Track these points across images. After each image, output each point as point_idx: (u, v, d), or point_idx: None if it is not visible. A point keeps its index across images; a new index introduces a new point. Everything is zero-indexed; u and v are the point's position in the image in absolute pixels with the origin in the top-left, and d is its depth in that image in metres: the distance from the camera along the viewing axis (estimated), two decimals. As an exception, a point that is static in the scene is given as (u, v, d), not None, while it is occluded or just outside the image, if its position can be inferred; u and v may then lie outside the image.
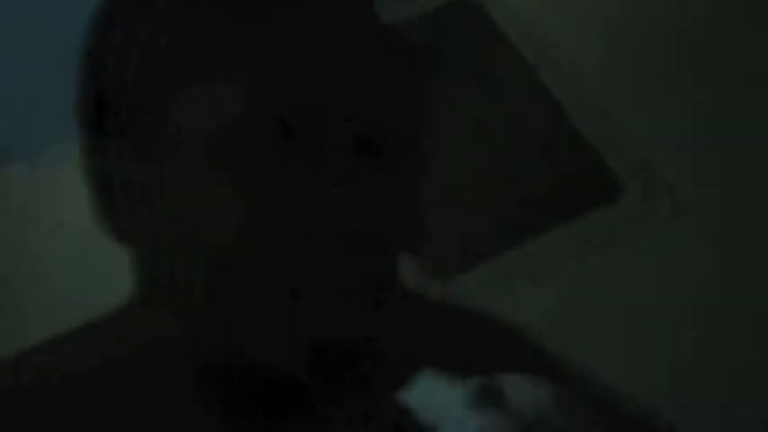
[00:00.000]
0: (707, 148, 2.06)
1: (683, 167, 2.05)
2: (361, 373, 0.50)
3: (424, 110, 0.53)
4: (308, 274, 0.46)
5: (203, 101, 0.48)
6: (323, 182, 0.47)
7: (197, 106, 0.48)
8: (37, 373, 0.52)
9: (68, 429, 0.49)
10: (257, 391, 0.50)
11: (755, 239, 1.98)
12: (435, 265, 1.91)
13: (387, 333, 0.53)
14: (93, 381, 0.50)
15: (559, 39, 2.04)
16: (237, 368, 0.49)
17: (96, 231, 0.55)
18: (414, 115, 0.52)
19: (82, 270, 2.13)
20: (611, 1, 2.11)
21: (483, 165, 2.05)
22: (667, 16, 2.11)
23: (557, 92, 2.11)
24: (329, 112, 0.48)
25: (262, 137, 0.46)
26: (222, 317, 0.47)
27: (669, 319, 1.96)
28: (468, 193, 2.06)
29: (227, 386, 0.50)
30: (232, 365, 0.49)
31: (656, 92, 2.09)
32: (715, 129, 2.06)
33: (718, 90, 2.03)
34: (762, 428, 1.84)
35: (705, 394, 1.89)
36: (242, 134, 0.47)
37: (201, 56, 0.49)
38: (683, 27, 2.08)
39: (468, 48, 2.09)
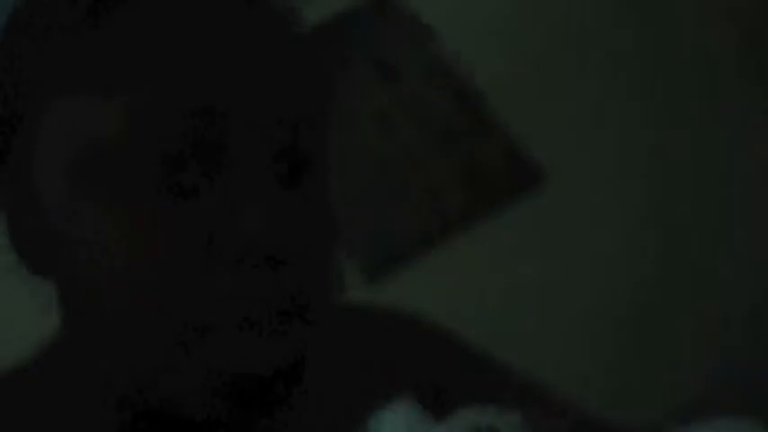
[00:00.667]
0: (601, 145, 2.13)
1: (582, 165, 2.11)
2: (281, 406, 0.46)
3: (328, 109, 0.48)
4: (212, 306, 0.42)
5: (71, 117, 0.43)
6: (223, 202, 0.42)
7: (62, 123, 0.43)
8: None
9: None
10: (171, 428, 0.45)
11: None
12: (362, 266, 1.89)
13: (311, 351, 0.49)
14: None
15: (459, 43, 2.08)
16: (152, 405, 0.45)
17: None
18: (321, 117, 0.47)
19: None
20: (506, 6, 2.16)
21: (386, 156, 2.04)
22: (556, 24, 2.18)
23: (460, 84, 2.12)
24: (234, 123, 0.42)
25: (145, 160, 0.42)
26: (129, 358, 0.43)
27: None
28: (374, 185, 2.04)
29: (143, 421, 0.46)
30: (147, 401, 0.45)
31: (551, 93, 2.15)
32: (612, 127, 2.12)
33: (611, 91, 2.11)
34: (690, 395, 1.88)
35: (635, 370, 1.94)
36: (119, 157, 0.42)
37: (66, 67, 0.43)
38: (574, 32, 2.15)
39: (375, 40, 2.10)
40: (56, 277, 0.47)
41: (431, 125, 2.04)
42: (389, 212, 1.99)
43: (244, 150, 0.42)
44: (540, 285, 2.01)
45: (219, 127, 0.42)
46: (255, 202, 0.42)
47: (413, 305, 0.67)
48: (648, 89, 2.10)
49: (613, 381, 1.92)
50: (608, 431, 0.60)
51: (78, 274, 0.44)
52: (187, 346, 0.42)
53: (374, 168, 2.02)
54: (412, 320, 0.63)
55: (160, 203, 0.42)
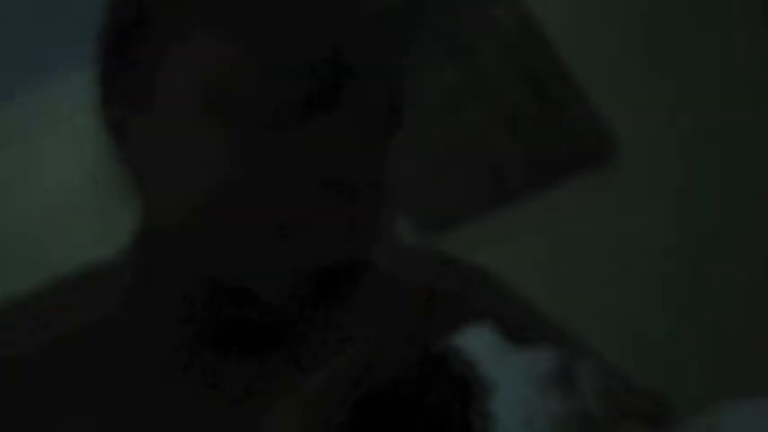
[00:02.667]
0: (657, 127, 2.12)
1: (642, 145, 2.11)
2: (342, 300, 0.51)
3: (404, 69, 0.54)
4: (292, 213, 0.48)
5: (208, 48, 0.48)
6: (329, 134, 0.48)
7: (201, 52, 0.49)
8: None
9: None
10: (238, 317, 0.51)
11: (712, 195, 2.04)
12: (424, 221, 1.91)
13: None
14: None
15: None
16: (220, 295, 0.50)
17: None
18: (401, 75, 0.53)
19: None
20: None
21: (451, 134, 2.05)
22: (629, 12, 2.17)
23: (532, 62, 2.13)
24: (356, 79, 0.49)
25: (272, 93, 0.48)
26: (208, 250, 0.49)
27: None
28: (437, 160, 2.05)
29: (210, 312, 0.51)
30: (215, 293, 0.50)
31: (619, 76, 2.15)
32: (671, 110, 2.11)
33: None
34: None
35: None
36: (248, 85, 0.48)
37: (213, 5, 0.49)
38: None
39: (446, 17, 2.11)
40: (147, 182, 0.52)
41: (498, 106, 2.06)
42: (451, 189, 2.01)
43: (356, 95, 0.49)
44: (584, 260, 2.02)
45: (339, 72, 0.48)
46: (359, 139, 0.49)
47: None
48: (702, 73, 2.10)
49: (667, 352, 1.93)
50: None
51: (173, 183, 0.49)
52: (273, 241, 0.48)
53: (438, 146, 2.05)
54: (478, 266, 0.67)
55: (277, 131, 0.48)
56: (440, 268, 0.64)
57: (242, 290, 0.49)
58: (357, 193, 0.49)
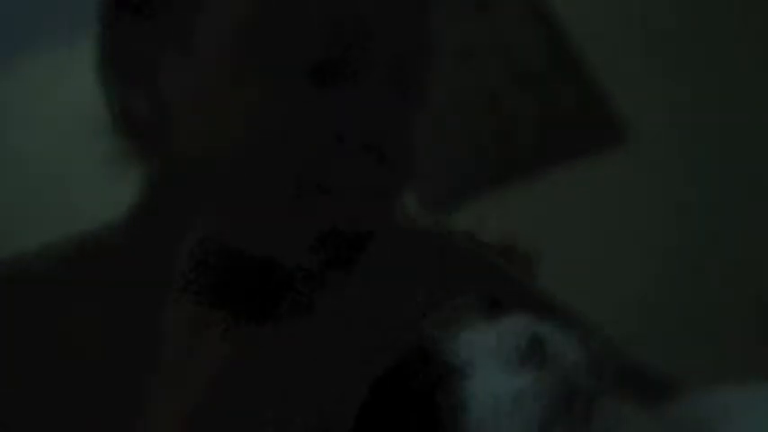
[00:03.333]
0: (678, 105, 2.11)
1: (658, 122, 2.10)
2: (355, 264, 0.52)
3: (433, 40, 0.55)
4: (313, 172, 0.48)
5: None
6: (342, 99, 0.49)
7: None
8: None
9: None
10: (247, 278, 0.51)
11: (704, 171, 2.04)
12: (428, 198, 1.90)
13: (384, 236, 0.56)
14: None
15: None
16: (230, 257, 0.50)
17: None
18: (430, 45, 0.54)
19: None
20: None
21: (467, 96, 2.02)
22: None
23: (554, 23, 2.10)
24: (373, 44, 0.49)
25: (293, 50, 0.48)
26: (230, 186, 0.49)
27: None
28: (450, 125, 2.02)
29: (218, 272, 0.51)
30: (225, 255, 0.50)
31: (638, 51, 2.14)
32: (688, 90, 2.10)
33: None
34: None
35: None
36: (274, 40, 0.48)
37: None
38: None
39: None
40: (162, 148, 0.52)
41: (514, 64, 2.03)
42: (459, 149, 1.99)
43: (367, 61, 0.49)
44: (596, 235, 2.02)
45: (351, 38, 0.49)
46: (370, 103, 0.49)
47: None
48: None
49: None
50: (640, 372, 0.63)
51: (191, 143, 0.50)
52: (286, 204, 0.48)
53: (452, 102, 2.02)
54: (466, 236, 0.70)
55: (299, 90, 0.48)
56: (438, 254, 0.64)
57: (254, 254, 0.49)
58: (381, 158, 0.49)
